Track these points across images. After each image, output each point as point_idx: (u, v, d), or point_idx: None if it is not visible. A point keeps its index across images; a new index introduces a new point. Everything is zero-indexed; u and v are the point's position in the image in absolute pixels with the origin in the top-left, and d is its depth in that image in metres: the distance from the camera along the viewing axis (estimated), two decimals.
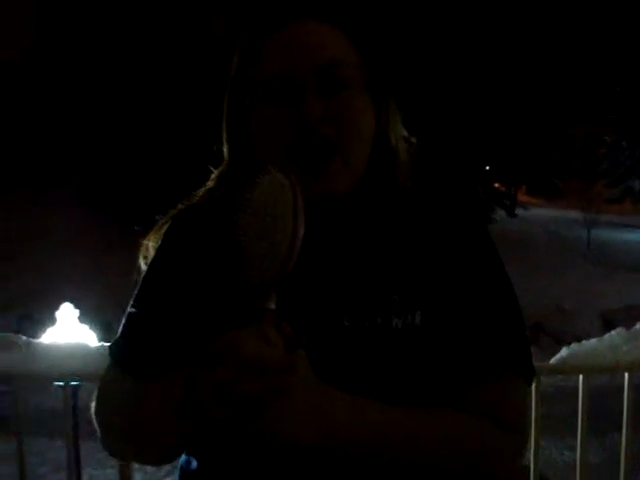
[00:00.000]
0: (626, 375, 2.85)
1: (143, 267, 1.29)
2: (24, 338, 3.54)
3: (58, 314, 5.36)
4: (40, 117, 21.98)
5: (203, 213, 1.25)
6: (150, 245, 1.30)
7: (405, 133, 1.24)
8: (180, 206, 1.31)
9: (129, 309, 1.25)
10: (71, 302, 5.65)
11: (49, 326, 5.45)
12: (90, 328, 5.45)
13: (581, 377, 2.79)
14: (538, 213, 31.89)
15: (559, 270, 21.77)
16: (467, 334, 1.11)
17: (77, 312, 5.44)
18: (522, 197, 33.52)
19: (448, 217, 1.19)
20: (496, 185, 31.26)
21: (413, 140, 1.25)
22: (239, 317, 0.97)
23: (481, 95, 26.89)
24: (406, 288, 1.11)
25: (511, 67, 27.46)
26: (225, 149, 1.24)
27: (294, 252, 0.97)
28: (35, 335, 7.94)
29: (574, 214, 29.66)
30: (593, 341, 3.08)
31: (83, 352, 3.08)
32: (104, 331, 5.87)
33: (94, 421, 1.24)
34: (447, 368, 1.11)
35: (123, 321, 1.26)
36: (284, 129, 1.09)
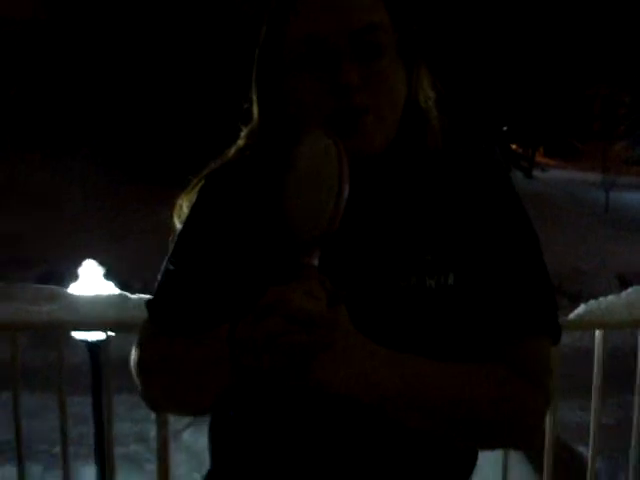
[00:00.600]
0: None
1: (178, 226, 1.31)
2: (66, 290, 3.58)
3: (80, 270, 5.37)
4: (54, 78, 21.89)
5: (239, 171, 1.26)
6: (184, 205, 1.31)
7: (433, 95, 1.24)
8: (212, 165, 1.32)
9: (167, 265, 1.27)
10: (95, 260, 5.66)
11: (71, 282, 5.45)
12: (115, 285, 5.48)
13: (597, 332, 2.79)
14: (556, 175, 31.63)
15: (577, 232, 21.65)
16: (497, 295, 1.15)
17: (101, 269, 5.45)
18: (540, 158, 33.22)
19: (478, 178, 1.21)
20: (513, 146, 30.95)
21: (443, 101, 1.26)
22: (283, 272, 1.01)
23: (498, 56, 26.54)
24: (439, 249, 1.15)
25: (529, 27, 27.03)
26: (255, 109, 1.24)
27: (340, 210, 1.01)
28: None
29: (592, 176, 29.42)
30: (610, 298, 3.08)
31: (119, 303, 3.13)
32: (124, 288, 5.89)
33: (134, 374, 1.26)
34: (478, 327, 1.15)
35: (160, 278, 1.28)
36: (319, 97, 1.10)
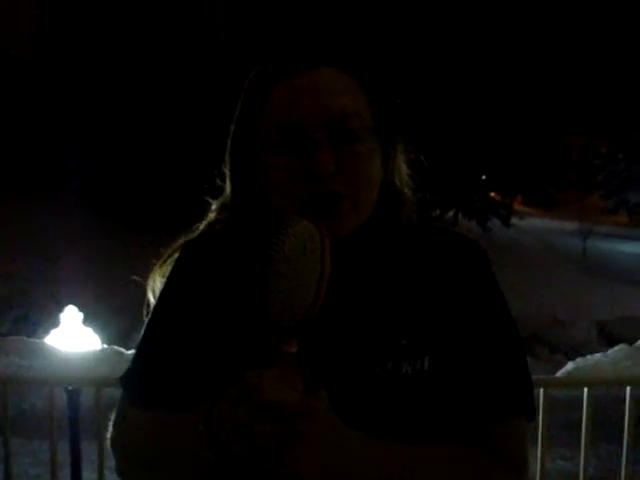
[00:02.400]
0: (628, 389, 2.91)
1: (152, 300, 1.29)
2: (28, 340, 3.57)
3: (62, 316, 5.36)
4: (42, 117, 21.92)
5: (215, 245, 1.24)
6: (157, 278, 1.30)
7: (407, 172, 1.24)
8: (182, 239, 1.30)
9: (142, 341, 1.26)
10: (73, 305, 5.66)
11: (52, 328, 5.45)
12: (94, 331, 5.46)
13: (586, 390, 2.84)
14: (534, 223, 31.97)
15: (555, 280, 21.81)
16: (472, 376, 1.14)
17: (81, 315, 5.44)
18: (518, 207, 33.58)
19: (451, 256, 1.20)
20: (492, 194, 31.29)
21: (420, 174, 1.27)
22: (261, 357, 1.00)
23: (478, 105, 26.97)
24: (415, 333, 1.14)
25: (508, 77, 27.54)
26: (228, 184, 1.23)
27: (320, 299, 0.99)
28: (30, 335, 7.91)
29: (570, 225, 29.76)
30: (597, 356, 3.12)
31: (86, 357, 3.11)
32: (105, 335, 5.85)
33: (111, 450, 1.25)
34: (454, 409, 1.14)
35: (136, 353, 1.27)
36: (294, 182, 1.09)
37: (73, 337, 5.19)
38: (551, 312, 17.97)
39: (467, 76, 26.59)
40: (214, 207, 1.29)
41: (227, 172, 1.22)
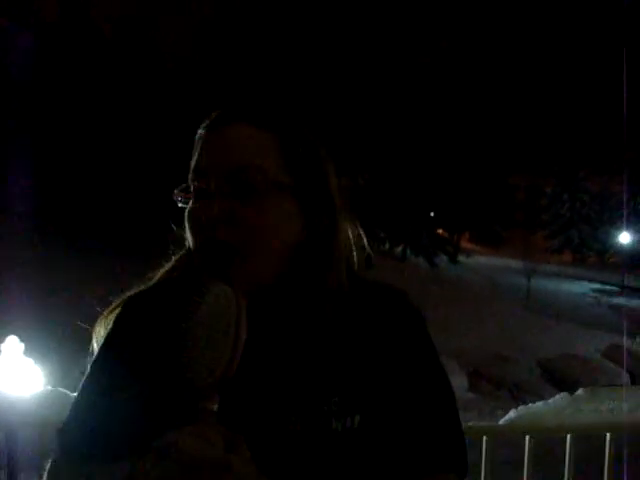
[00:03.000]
0: (568, 437, 2.91)
1: (95, 349, 1.30)
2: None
3: (3, 346, 5.24)
4: None
5: (153, 303, 1.24)
6: (102, 330, 1.30)
7: (349, 230, 1.23)
8: (134, 290, 1.30)
9: (77, 395, 1.27)
10: (15, 334, 5.54)
11: None
12: (35, 362, 5.35)
13: (527, 438, 2.85)
14: (480, 260, 32.38)
15: (499, 318, 22.06)
16: (403, 433, 1.15)
17: (22, 345, 5.33)
18: (465, 244, 34.00)
19: (383, 313, 1.21)
20: (440, 231, 31.67)
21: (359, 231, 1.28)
22: (181, 415, 1.02)
23: (427, 144, 27.42)
24: (344, 390, 1.14)
25: (455, 118, 28.05)
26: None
27: (236, 357, 1.02)
28: None
29: (515, 263, 30.21)
30: (539, 404, 3.16)
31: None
32: (46, 366, 5.74)
33: None
34: (384, 468, 1.15)
35: (71, 408, 1.27)
36: (192, 227, 1.15)
37: (13, 369, 5.08)
38: (495, 349, 18.17)
39: (416, 116, 27.05)
40: (177, 255, 1.29)
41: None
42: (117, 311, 1.28)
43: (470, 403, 13.52)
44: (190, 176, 1.16)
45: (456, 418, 1.20)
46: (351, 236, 1.24)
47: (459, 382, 14.63)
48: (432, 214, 30.29)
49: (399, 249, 29.28)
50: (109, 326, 1.27)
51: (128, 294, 1.29)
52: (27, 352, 5.55)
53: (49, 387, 3.11)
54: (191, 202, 1.15)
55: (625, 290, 29.25)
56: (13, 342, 5.32)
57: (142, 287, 1.30)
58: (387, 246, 28.91)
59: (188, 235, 1.16)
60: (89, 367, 1.26)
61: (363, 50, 26.09)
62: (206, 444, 0.97)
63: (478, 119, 28.89)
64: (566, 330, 21.38)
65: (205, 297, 1.03)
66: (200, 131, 1.20)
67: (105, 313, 1.30)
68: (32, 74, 21.44)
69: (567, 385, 17.21)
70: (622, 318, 22.54)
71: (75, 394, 1.26)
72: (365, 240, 1.30)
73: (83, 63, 22.23)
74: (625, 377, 16.00)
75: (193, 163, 1.17)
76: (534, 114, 33.26)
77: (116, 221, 19.48)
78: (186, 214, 1.15)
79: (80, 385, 1.26)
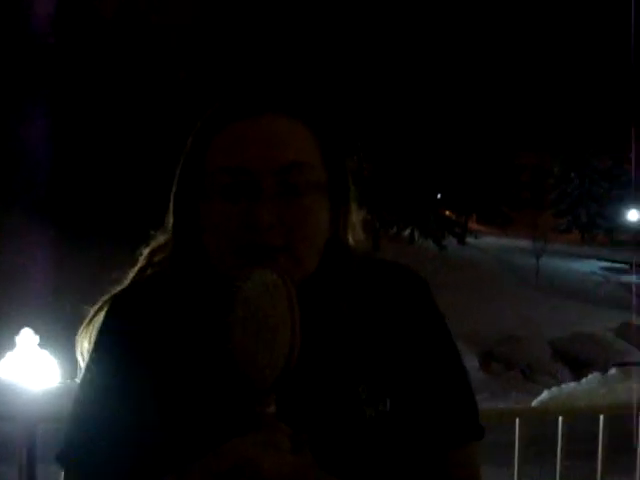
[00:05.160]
0: (601, 417, 2.94)
1: (81, 363, 1.20)
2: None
3: (18, 339, 5.24)
4: None
5: (152, 296, 1.17)
6: (85, 342, 1.20)
7: (362, 234, 1.21)
8: (107, 295, 1.22)
9: (78, 411, 1.16)
10: (29, 327, 5.53)
11: (7, 350, 5.32)
12: (50, 353, 5.34)
13: (560, 419, 2.86)
14: (488, 241, 32.36)
15: (509, 298, 22.08)
16: (427, 411, 1.17)
17: (37, 338, 5.33)
18: (473, 225, 33.98)
19: (395, 295, 1.20)
20: (447, 213, 31.63)
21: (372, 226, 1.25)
22: (236, 422, 0.96)
23: (434, 126, 27.36)
24: (372, 379, 1.14)
25: (463, 100, 27.98)
26: (168, 230, 1.17)
27: (295, 353, 0.94)
28: None
29: (524, 243, 30.17)
30: (572, 385, 3.14)
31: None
32: (61, 357, 5.74)
33: None
34: (414, 446, 1.16)
35: (72, 425, 1.17)
36: (234, 229, 1.06)
37: (29, 361, 5.08)
38: (505, 329, 18.20)
39: (425, 97, 26.97)
40: (143, 255, 1.22)
41: (170, 218, 1.15)
42: (99, 320, 1.19)
43: (482, 384, 13.56)
44: (218, 172, 1.07)
45: (469, 387, 1.22)
46: (358, 220, 1.20)
47: (470, 363, 14.67)
48: (439, 196, 30.24)
49: (407, 232, 29.28)
50: (97, 338, 1.18)
51: (104, 299, 1.20)
52: (41, 344, 5.55)
53: (68, 381, 3.09)
54: (221, 201, 1.06)
55: (634, 267, 29.21)
56: (28, 335, 5.30)
57: (120, 288, 1.21)
58: (395, 229, 28.90)
59: (215, 234, 1.08)
60: (87, 384, 1.16)
61: (367, 32, 25.98)
62: (277, 452, 0.91)
63: (483, 99, 28.79)
64: (576, 309, 21.40)
65: (250, 286, 0.95)
66: (217, 119, 1.11)
67: (84, 324, 1.21)
68: (34, 67, 21.45)
69: (580, 364, 17.24)
70: (632, 296, 22.53)
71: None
72: (372, 224, 1.28)
73: (82, 48, 22.16)
74: (638, 355, 16.01)
75: (224, 157, 1.07)
76: (539, 92, 33.12)
77: (128, 213, 19.47)
78: (218, 215, 1.06)
79: (78, 404, 1.16)
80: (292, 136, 1.10)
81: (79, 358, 1.18)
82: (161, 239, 1.20)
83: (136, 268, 1.21)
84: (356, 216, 1.19)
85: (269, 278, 0.96)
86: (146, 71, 22.26)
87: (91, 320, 1.18)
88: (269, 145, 1.07)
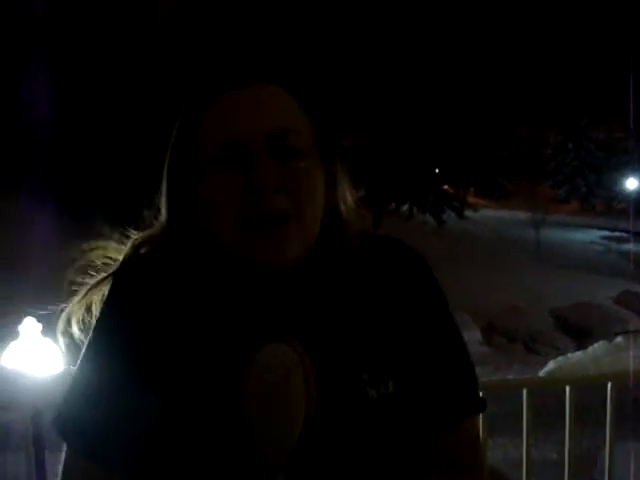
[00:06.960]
0: (609, 385, 2.95)
1: (62, 346, 1.21)
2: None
3: (21, 328, 5.23)
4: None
5: (155, 275, 1.14)
6: (73, 323, 1.20)
7: (353, 198, 1.20)
8: (101, 274, 1.20)
9: (84, 376, 1.18)
10: (31, 315, 5.52)
11: (11, 339, 5.31)
12: (54, 341, 5.33)
13: (568, 388, 2.89)
14: (487, 214, 32.35)
15: (509, 270, 22.10)
16: (430, 388, 1.17)
17: (40, 326, 5.31)
18: (471, 199, 33.94)
19: (394, 272, 1.19)
20: (445, 187, 31.59)
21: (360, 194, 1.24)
22: None
23: (429, 99, 27.26)
24: (374, 362, 1.13)
25: (457, 72, 27.85)
26: (164, 211, 1.16)
27: (309, 431, 0.95)
28: None
29: (522, 215, 30.17)
30: (578, 353, 3.17)
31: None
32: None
33: None
34: (418, 423, 1.16)
35: (71, 396, 1.20)
36: (236, 197, 1.04)
37: (33, 350, 5.07)
38: (507, 301, 18.23)
39: (419, 71, 26.84)
40: (133, 240, 1.20)
41: (163, 199, 1.15)
42: (91, 298, 1.18)
43: (485, 357, 13.59)
44: (213, 146, 1.06)
45: (469, 361, 1.23)
46: (350, 195, 1.20)
47: (473, 336, 14.70)
48: (437, 170, 30.19)
49: (405, 207, 29.25)
50: (92, 317, 1.17)
51: (100, 277, 1.18)
52: (43, 332, 5.55)
53: (71, 367, 3.06)
54: (220, 175, 1.05)
55: (632, 236, 29.20)
56: (31, 323, 5.30)
57: (117, 266, 1.19)
58: (393, 205, 28.87)
59: (218, 209, 1.06)
60: (88, 353, 1.17)
61: (362, 11, 25.83)
62: None
63: (478, 72, 28.66)
64: (577, 279, 21.41)
65: (267, 360, 0.92)
66: (206, 89, 1.10)
67: (74, 302, 1.19)
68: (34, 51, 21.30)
69: (582, 334, 17.31)
70: (632, 264, 22.57)
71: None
72: (372, 200, 1.27)
73: (82, 33, 22.01)
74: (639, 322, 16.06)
75: (217, 131, 1.06)
76: (533, 62, 32.95)
77: (133, 201, 19.38)
78: (218, 189, 1.05)
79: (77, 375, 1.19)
80: (281, 104, 1.09)
81: (59, 339, 1.22)
82: (146, 233, 1.19)
83: (128, 249, 1.19)
84: (347, 189, 1.18)
85: (285, 354, 0.94)
86: (146, 55, 22.10)
87: (83, 297, 1.19)
88: (260, 113, 1.06)
